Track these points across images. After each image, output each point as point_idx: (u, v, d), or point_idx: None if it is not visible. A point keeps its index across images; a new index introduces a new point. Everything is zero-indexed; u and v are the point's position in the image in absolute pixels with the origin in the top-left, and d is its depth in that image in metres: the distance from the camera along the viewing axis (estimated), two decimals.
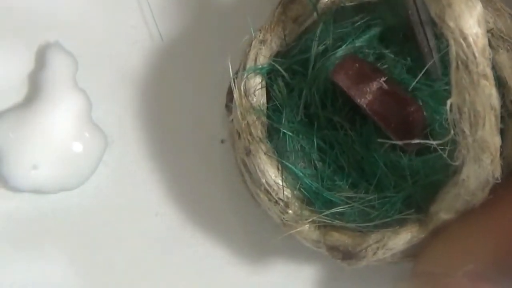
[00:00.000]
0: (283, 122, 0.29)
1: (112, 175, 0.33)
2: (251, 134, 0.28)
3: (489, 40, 0.23)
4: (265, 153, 0.28)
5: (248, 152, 0.28)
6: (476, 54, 0.22)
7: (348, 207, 0.28)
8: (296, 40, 0.29)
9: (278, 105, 0.29)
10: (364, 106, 0.27)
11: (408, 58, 0.29)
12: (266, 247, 0.33)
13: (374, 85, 0.27)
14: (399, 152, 0.29)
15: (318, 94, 0.29)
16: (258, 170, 0.28)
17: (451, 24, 0.22)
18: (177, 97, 0.34)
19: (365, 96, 0.27)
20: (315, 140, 0.29)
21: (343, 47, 0.29)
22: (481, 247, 0.25)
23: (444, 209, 0.26)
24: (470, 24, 0.22)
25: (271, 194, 0.28)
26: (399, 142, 0.27)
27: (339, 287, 0.33)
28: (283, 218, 0.28)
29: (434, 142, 0.24)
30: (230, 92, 0.30)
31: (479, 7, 0.22)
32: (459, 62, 0.22)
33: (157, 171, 0.33)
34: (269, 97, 0.29)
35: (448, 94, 0.28)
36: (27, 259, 0.32)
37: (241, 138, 0.28)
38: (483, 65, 0.22)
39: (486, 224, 0.25)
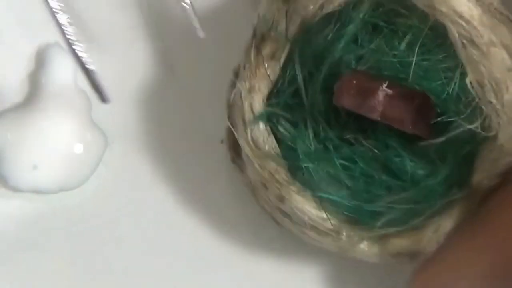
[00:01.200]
0: (301, 158, 0.28)
1: (112, 175, 0.33)
2: (277, 181, 0.28)
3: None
4: (298, 194, 0.27)
5: (281, 199, 0.28)
6: (478, 27, 0.22)
7: (393, 210, 0.27)
8: (281, 74, 0.29)
9: (289, 143, 0.29)
10: (379, 119, 0.27)
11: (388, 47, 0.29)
12: (267, 246, 0.33)
13: (380, 95, 0.27)
14: (417, 140, 0.28)
15: (322, 117, 0.29)
16: (297, 211, 0.28)
17: (444, 9, 0.22)
18: (177, 97, 0.34)
19: (376, 109, 0.27)
20: (337, 162, 0.29)
21: (325, 66, 0.29)
22: (478, 261, 0.25)
23: (487, 177, 0.26)
24: (461, 1, 0.22)
25: (318, 228, 0.28)
26: (435, 141, 0.27)
27: (342, 285, 0.33)
28: (339, 245, 0.28)
29: (466, 127, 0.25)
30: (233, 146, 0.30)
31: None
32: (464, 41, 0.22)
33: (157, 171, 0.33)
34: (277, 138, 0.29)
35: (441, 67, 0.28)
36: (27, 258, 0.32)
37: (270, 188, 0.28)
38: (487, 34, 0.22)
39: (483, 238, 0.25)
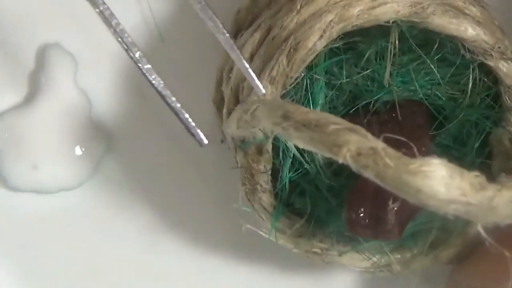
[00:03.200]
0: (328, 220, 0.28)
1: (112, 175, 0.33)
2: (318, 254, 0.28)
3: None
4: (341, 256, 0.28)
5: (327, 263, 0.28)
6: (479, 202, 0.20)
7: (432, 228, 0.28)
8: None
9: (311, 212, 0.29)
10: (397, 239, 0.27)
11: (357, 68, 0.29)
12: (265, 247, 0.33)
13: (391, 217, 0.26)
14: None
15: (327, 171, 0.29)
16: (346, 267, 0.28)
17: (433, 202, 0.19)
18: (177, 97, 0.34)
19: (393, 232, 0.26)
20: None
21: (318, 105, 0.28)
22: None
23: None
24: (454, 190, 0.19)
25: (370, 271, 0.28)
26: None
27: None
28: (394, 273, 0.29)
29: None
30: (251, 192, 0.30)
31: (443, 172, 0.19)
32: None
33: (157, 171, 0.33)
34: (297, 212, 0.29)
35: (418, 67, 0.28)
36: (27, 258, 0.32)
37: (312, 258, 0.28)
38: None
39: None
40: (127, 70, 0.34)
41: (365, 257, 0.28)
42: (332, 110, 0.29)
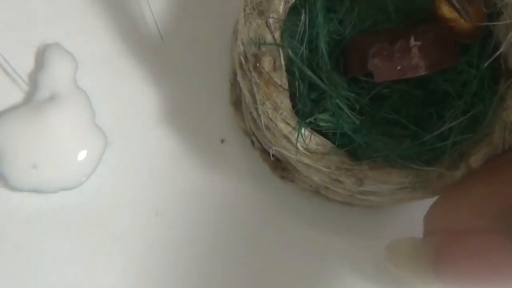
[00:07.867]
0: (354, 138, 0.28)
1: (112, 175, 0.33)
2: (348, 170, 0.28)
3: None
4: (372, 170, 0.28)
5: (360, 183, 0.28)
6: None
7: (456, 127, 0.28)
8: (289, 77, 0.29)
9: (335, 131, 0.29)
10: (427, 73, 0.27)
11: None
12: (266, 246, 0.33)
13: (416, 50, 0.27)
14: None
15: (347, 91, 0.29)
16: (381, 184, 0.28)
17: None
18: (176, 97, 0.34)
19: (419, 66, 0.27)
20: (384, 118, 0.29)
21: (320, 47, 0.29)
22: (486, 205, 0.25)
23: None
24: None
25: (408, 187, 0.28)
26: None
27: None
28: (433, 189, 0.28)
29: None
30: (276, 165, 0.32)
31: None
32: None
33: (157, 171, 0.33)
34: (321, 133, 0.29)
35: None
36: (27, 258, 0.32)
37: (344, 180, 0.28)
38: None
39: (491, 184, 0.26)
40: (127, 70, 0.34)
41: (396, 169, 0.28)
42: (338, 36, 0.29)
